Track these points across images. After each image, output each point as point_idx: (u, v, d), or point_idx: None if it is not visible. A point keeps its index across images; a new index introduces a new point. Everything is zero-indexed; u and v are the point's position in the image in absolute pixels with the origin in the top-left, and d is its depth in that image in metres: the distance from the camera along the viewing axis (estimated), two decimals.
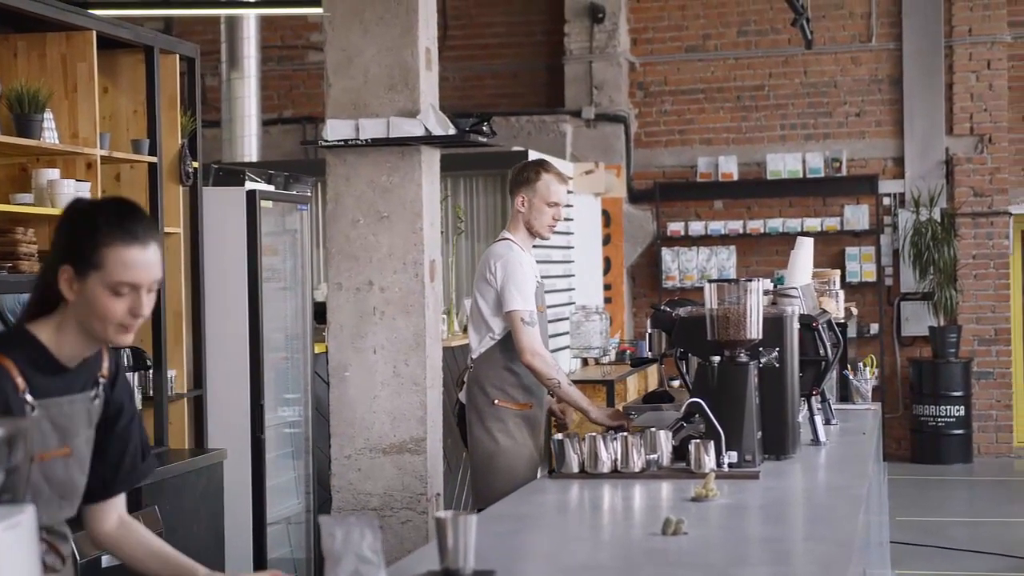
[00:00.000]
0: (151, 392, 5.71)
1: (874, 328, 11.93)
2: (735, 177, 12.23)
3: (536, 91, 12.82)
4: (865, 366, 6.24)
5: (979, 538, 8.64)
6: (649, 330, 5.06)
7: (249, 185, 6.43)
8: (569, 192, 8.64)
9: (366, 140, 5.09)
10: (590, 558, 3.17)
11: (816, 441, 4.77)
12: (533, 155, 8.30)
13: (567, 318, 9.77)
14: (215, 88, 11.85)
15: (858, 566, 3.32)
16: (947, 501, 10.38)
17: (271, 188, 6.73)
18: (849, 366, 6.47)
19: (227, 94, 11.22)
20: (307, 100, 12.97)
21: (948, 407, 11.58)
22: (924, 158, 12.01)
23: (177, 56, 6.08)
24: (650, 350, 5.18)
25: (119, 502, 2.89)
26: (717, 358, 4.20)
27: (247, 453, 6.25)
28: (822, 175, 12.07)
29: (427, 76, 5.16)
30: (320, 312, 5.86)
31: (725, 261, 12.17)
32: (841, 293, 6.51)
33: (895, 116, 12.14)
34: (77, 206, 2.70)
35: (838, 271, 6.98)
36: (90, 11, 5.69)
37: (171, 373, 5.88)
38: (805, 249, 5.53)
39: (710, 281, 4.33)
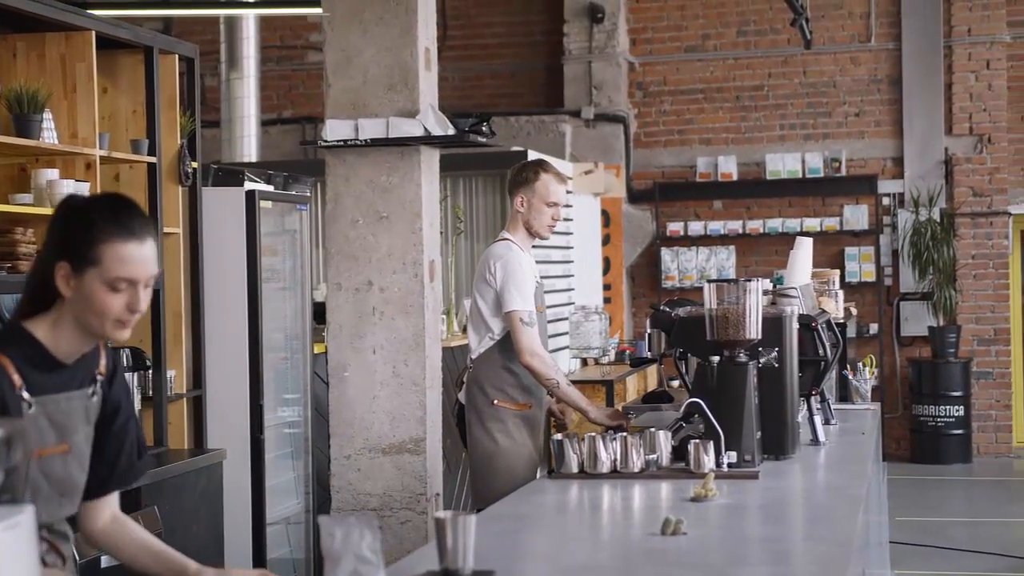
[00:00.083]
0: (150, 392, 5.71)
1: (873, 328, 11.93)
2: (734, 177, 12.23)
3: (535, 91, 12.83)
4: (864, 366, 6.24)
5: (978, 538, 8.64)
6: (648, 330, 5.07)
7: (248, 185, 6.43)
8: (568, 192, 8.65)
9: (365, 140, 5.09)
10: (589, 558, 3.17)
11: (815, 441, 4.77)
12: (532, 155, 8.30)
13: (566, 318, 9.77)
14: (214, 88, 11.85)
15: (857, 566, 3.32)
16: (946, 501, 10.38)
17: (270, 188, 6.73)
18: (848, 366, 6.47)
19: (226, 94, 11.22)
20: (306, 100, 12.97)
21: (947, 407, 11.58)
22: (923, 158, 12.02)
23: (176, 56, 6.08)
24: (649, 350, 5.19)
25: (112, 499, 2.90)
26: (716, 358, 4.20)
27: (246, 453, 6.25)
28: (821, 175, 12.07)
29: (426, 76, 5.17)
30: (319, 312, 5.86)
31: (724, 261, 12.17)
32: (840, 293, 6.51)
33: (894, 116, 12.14)
34: (71, 203, 2.70)
35: (837, 271, 6.97)
36: (89, 11, 5.69)
37: (170, 373, 5.88)
38: (804, 249, 5.53)
39: (709, 281, 4.33)
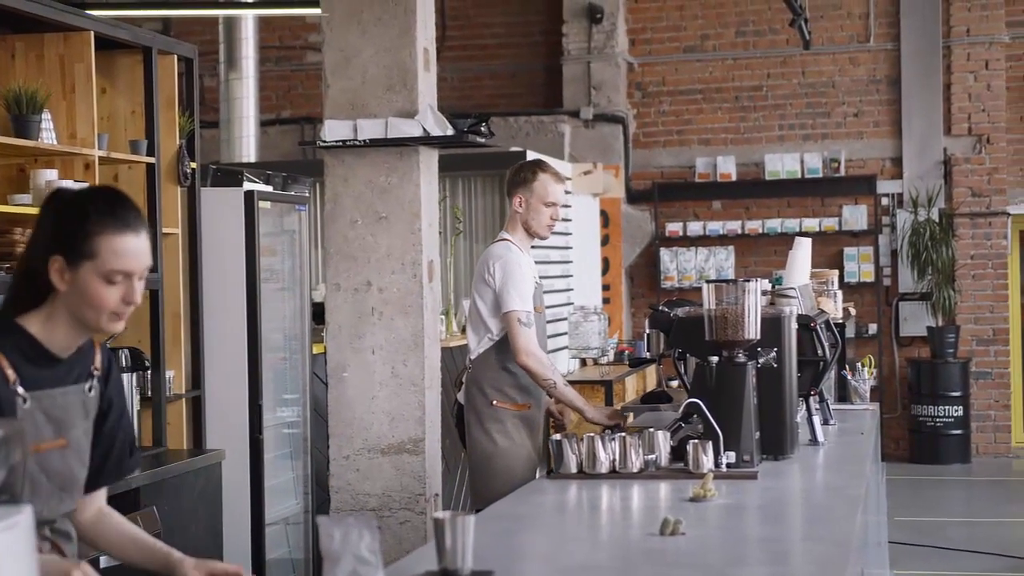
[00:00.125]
0: (149, 393, 5.71)
1: (872, 328, 11.94)
2: (733, 177, 12.23)
3: (534, 91, 12.83)
4: (863, 366, 6.24)
5: (977, 538, 8.64)
6: (647, 330, 5.07)
7: (247, 186, 6.43)
8: (567, 192, 8.65)
9: (364, 141, 5.09)
10: (588, 558, 3.17)
11: (814, 441, 4.77)
12: (531, 155, 8.31)
13: (565, 318, 9.77)
14: (213, 89, 11.85)
15: (856, 566, 3.33)
16: (945, 501, 10.38)
17: (269, 189, 6.73)
18: (847, 366, 6.47)
19: (225, 95, 11.22)
20: (305, 101, 12.98)
21: (946, 407, 11.59)
22: (922, 158, 12.02)
23: (175, 57, 6.08)
24: (648, 350, 5.18)
25: (101, 494, 2.91)
26: (715, 358, 4.20)
27: (245, 454, 6.24)
28: (820, 175, 12.07)
29: (425, 77, 5.17)
30: (318, 312, 5.86)
31: (723, 261, 12.17)
32: (839, 293, 6.51)
33: (893, 116, 12.14)
34: (62, 196, 2.70)
35: (836, 271, 6.97)
36: (88, 12, 5.68)
37: (169, 374, 5.88)
38: (803, 249, 5.53)
39: (708, 281, 4.33)
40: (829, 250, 11.93)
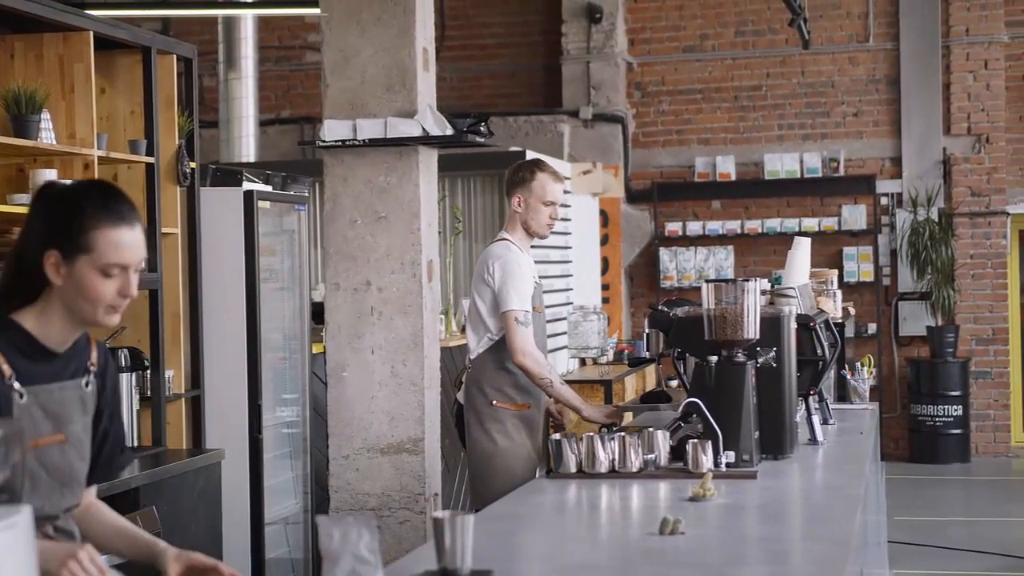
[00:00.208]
0: (149, 392, 5.71)
1: (872, 328, 11.93)
2: (733, 177, 12.23)
3: (533, 91, 12.83)
4: (863, 366, 6.24)
5: (976, 538, 8.64)
6: (647, 330, 5.07)
7: (247, 185, 6.43)
8: (567, 192, 8.65)
9: (364, 140, 5.09)
10: (587, 558, 3.17)
11: (814, 441, 4.77)
12: (531, 155, 8.30)
13: (565, 318, 9.77)
14: (212, 88, 11.85)
15: (855, 566, 3.33)
16: (945, 501, 10.38)
17: (269, 188, 6.73)
18: (847, 366, 6.47)
19: (224, 94, 11.22)
20: (305, 100, 12.97)
21: (946, 407, 11.59)
22: (922, 158, 12.02)
23: (174, 56, 6.08)
24: (648, 350, 5.18)
25: (91, 491, 2.92)
26: (714, 358, 4.20)
27: (245, 453, 6.24)
28: (820, 175, 12.07)
29: (424, 76, 5.17)
30: (318, 312, 5.86)
31: (723, 261, 12.17)
32: (839, 293, 6.51)
33: (892, 116, 12.14)
34: (54, 190, 2.70)
35: (836, 271, 6.98)
36: (87, 12, 5.68)
37: (169, 373, 5.88)
38: (803, 249, 5.54)
39: (708, 281, 4.33)
40: (828, 250, 11.93)
